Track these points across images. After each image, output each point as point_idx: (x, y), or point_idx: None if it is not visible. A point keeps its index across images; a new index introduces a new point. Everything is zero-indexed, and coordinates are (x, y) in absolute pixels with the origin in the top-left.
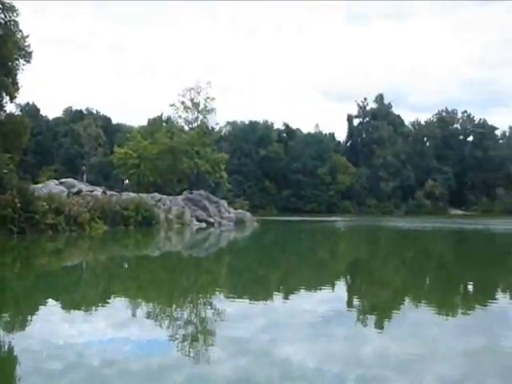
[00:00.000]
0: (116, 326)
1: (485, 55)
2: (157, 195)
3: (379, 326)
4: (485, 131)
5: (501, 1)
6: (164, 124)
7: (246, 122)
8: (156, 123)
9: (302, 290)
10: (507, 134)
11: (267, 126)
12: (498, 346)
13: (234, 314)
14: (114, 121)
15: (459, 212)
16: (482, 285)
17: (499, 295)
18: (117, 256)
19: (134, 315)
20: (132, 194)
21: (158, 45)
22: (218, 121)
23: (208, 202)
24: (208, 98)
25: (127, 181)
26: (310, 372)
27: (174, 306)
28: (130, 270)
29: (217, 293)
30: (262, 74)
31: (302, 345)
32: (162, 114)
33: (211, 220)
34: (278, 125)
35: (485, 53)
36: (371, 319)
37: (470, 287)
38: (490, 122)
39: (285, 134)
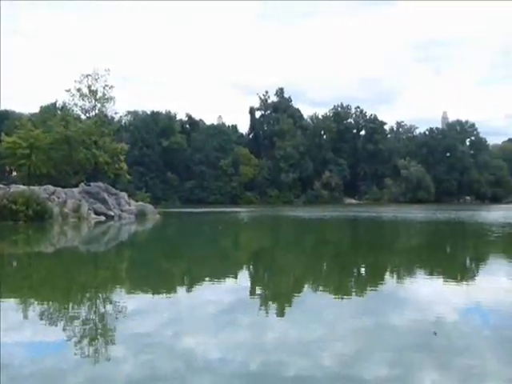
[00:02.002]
0: (5, 331)
1: (376, 55)
2: (50, 188)
3: (281, 312)
4: (375, 126)
5: (402, 1)
6: (58, 112)
7: (148, 112)
8: (49, 111)
9: (206, 281)
10: (394, 129)
11: (170, 117)
12: (388, 323)
13: (136, 309)
14: (1, 107)
15: (353, 201)
16: (374, 268)
17: (388, 277)
18: (3, 254)
19: (25, 317)
20: (22, 187)
21: (55, 28)
22: (118, 110)
23: (107, 194)
24: (106, 85)
25: (15, 172)
26: (214, 362)
27: (71, 305)
28: (21, 269)
29: (117, 288)
30: (166, 65)
31: (206, 336)
32: (56, 101)
33: (111, 213)
34: (181, 116)
35: (376, 53)
36: (273, 306)
37: (364, 271)
38: (380, 118)
39: (188, 125)
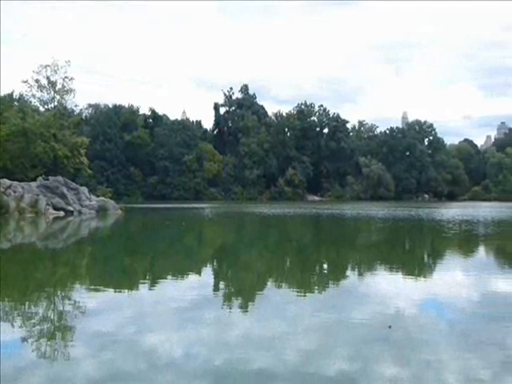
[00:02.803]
0: None
1: (339, 55)
2: (6, 181)
3: (244, 308)
4: (338, 124)
5: (365, 1)
6: (15, 103)
7: (110, 106)
8: (5, 102)
9: (169, 278)
10: (356, 127)
11: (132, 111)
12: (349, 318)
13: (97, 307)
14: None
15: (316, 198)
16: (336, 264)
17: (349, 273)
18: None
19: None
20: None
21: (13, 18)
22: (79, 103)
23: (66, 188)
24: (66, 77)
25: None
26: (177, 359)
27: (28, 303)
28: None
29: (77, 285)
30: (129, 59)
31: (170, 333)
32: (12, 91)
33: (70, 208)
34: (144, 110)
35: (339, 53)
36: (237, 302)
37: (326, 267)
38: (342, 117)
39: (151, 120)
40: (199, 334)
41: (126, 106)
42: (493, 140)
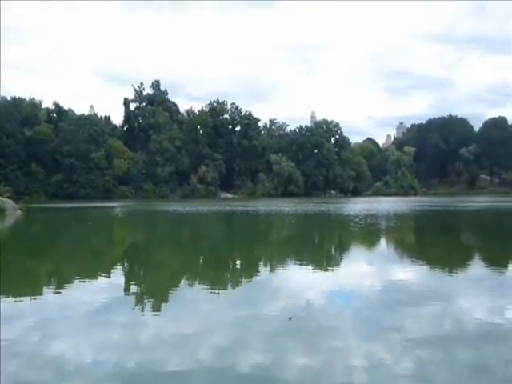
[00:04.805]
0: None
1: (252, 54)
2: None
3: (157, 308)
4: (250, 122)
5: (280, 1)
6: None
7: (8, 98)
8: None
9: (76, 281)
10: (268, 125)
11: (34, 105)
12: (261, 312)
13: None
14: None
15: (228, 195)
16: (249, 260)
17: (262, 268)
18: None
19: None
20: None
21: None
22: None
23: None
24: None
25: None
26: (87, 365)
27: None
28: None
29: None
30: (32, 51)
31: (78, 338)
32: None
33: None
34: (48, 104)
35: (252, 52)
36: (149, 303)
37: (239, 263)
38: (254, 115)
39: (55, 115)
40: (110, 338)
41: (27, 99)
42: (393, 139)
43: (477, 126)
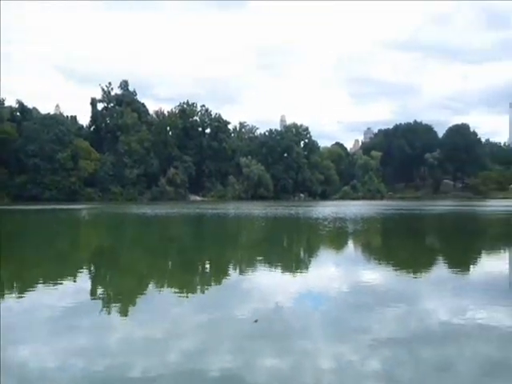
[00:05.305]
0: None
1: (223, 57)
2: None
3: (125, 312)
4: (220, 125)
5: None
6: None
7: None
8: None
9: (40, 286)
10: (237, 128)
11: None
12: (231, 316)
13: None
14: None
15: (198, 198)
16: (218, 263)
17: (231, 271)
18: None
19: None
20: None
21: None
22: None
23: None
24: None
25: None
26: (51, 371)
27: None
28: None
29: None
30: None
31: (42, 344)
32: None
33: None
34: (11, 102)
35: (223, 55)
36: (116, 307)
37: (208, 266)
38: (224, 117)
39: (18, 113)
40: (75, 343)
41: None
42: (360, 144)
43: (441, 133)
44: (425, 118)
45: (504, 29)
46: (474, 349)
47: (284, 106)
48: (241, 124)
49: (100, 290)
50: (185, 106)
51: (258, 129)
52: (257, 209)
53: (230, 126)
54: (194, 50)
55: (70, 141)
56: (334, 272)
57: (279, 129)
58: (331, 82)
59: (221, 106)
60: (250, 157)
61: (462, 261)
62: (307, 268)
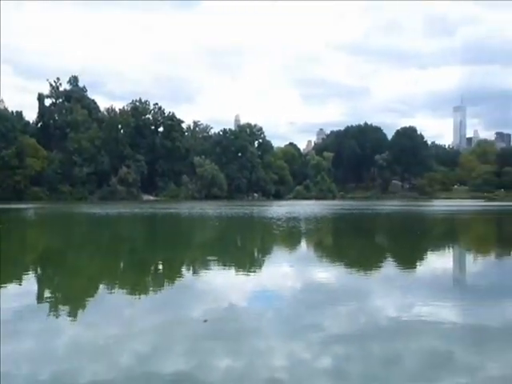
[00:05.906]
0: None
1: (178, 56)
2: None
3: (73, 315)
4: (173, 123)
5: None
6: None
7: None
8: None
9: None
10: (191, 127)
11: None
12: (184, 316)
13: None
14: None
15: (151, 198)
16: (171, 263)
17: (184, 271)
18: None
19: None
20: None
21: None
22: None
23: None
24: None
25: None
26: None
27: None
28: None
29: None
30: None
31: None
32: None
33: None
34: None
35: (178, 54)
36: (65, 310)
37: (161, 267)
38: (178, 116)
39: None
40: (21, 348)
41: None
42: (313, 144)
43: (390, 135)
44: (374, 119)
45: (447, 36)
46: (419, 343)
47: (239, 106)
48: (195, 123)
49: (47, 293)
50: (137, 103)
51: (212, 128)
52: (211, 208)
53: (184, 125)
54: (148, 48)
55: (15, 137)
56: (286, 271)
57: (233, 129)
58: (283, 83)
59: (175, 106)
60: (203, 156)
61: (409, 259)
62: (260, 267)
